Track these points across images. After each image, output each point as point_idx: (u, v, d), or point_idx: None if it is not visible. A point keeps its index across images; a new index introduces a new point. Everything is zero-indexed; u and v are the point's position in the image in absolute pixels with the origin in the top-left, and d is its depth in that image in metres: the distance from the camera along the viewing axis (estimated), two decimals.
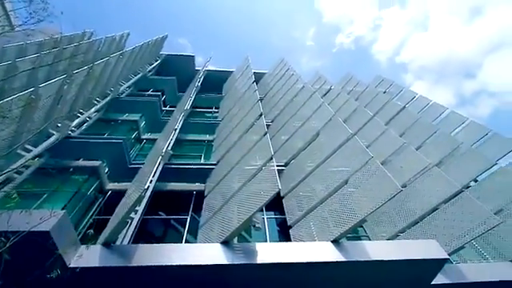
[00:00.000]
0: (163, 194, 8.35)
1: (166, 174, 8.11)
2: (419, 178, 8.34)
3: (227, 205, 6.38)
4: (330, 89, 15.90)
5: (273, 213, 8.24)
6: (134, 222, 6.22)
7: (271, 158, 6.04)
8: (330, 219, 6.14)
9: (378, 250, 5.39)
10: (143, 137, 12.67)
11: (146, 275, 4.80)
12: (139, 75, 16.78)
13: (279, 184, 4.97)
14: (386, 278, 5.64)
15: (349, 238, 6.93)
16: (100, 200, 8.10)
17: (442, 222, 6.85)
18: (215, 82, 19.09)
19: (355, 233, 8.07)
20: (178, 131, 10.52)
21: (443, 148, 10.70)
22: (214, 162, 9.58)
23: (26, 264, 4.00)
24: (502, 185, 8.74)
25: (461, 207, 6.82)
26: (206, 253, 5.05)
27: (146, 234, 7.47)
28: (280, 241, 7.50)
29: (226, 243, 5.23)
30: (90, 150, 8.81)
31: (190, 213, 7.89)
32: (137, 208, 6.51)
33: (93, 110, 11.13)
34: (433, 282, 5.67)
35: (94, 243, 5.02)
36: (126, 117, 12.61)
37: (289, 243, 5.96)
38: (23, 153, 7.20)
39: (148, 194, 6.99)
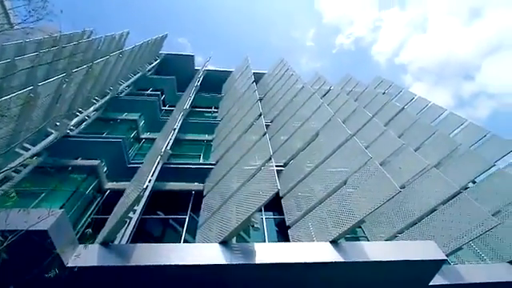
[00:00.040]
0: (162, 193, 8.34)
1: (165, 174, 8.11)
2: (418, 179, 8.36)
3: (226, 205, 6.38)
4: (330, 89, 15.91)
5: (271, 213, 8.25)
6: (133, 222, 6.21)
7: (270, 158, 6.04)
8: (329, 220, 6.15)
9: (376, 250, 5.40)
10: (142, 136, 12.65)
11: (145, 275, 4.79)
12: (139, 74, 16.76)
13: (278, 184, 4.97)
14: (384, 279, 5.65)
15: (347, 239, 6.94)
16: (98, 199, 8.08)
17: (441, 223, 6.88)
18: (215, 82, 19.09)
19: (354, 233, 8.07)
20: (177, 131, 10.51)
21: (442, 149, 10.73)
22: (213, 162, 9.57)
23: (23, 263, 3.99)
24: (500, 186, 8.78)
25: (459, 208, 6.84)
26: (205, 253, 5.04)
27: (145, 233, 7.45)
28: (279, 241, 7.51)
29: (224, 243, 5.23)
30: (88, 149, 8.79)
31: (188, 212, 7.88)
32: (135, 207, 6.49)
33: (92, 109, 11.10)
34: (431, 283, 5.68)
35: (92, 242, 5.01)
36: (125, 116, 12.59)
37: (287, 243, 5.98)
38: (21, 151, 7.17)
39: (147, 193, 6.98)
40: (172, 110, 14.57)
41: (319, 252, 5.31)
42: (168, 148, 8.51)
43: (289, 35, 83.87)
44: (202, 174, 9.10)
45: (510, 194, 8.36)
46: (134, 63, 15.46)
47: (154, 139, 11.87)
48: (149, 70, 18.45)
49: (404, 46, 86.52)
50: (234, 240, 5.62)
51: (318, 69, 57.67)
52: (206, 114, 16.69)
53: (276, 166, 5.83)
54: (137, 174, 7.65)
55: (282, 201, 8.19)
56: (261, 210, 7.86)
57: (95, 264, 4.61)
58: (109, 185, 8.57)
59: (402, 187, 8.00)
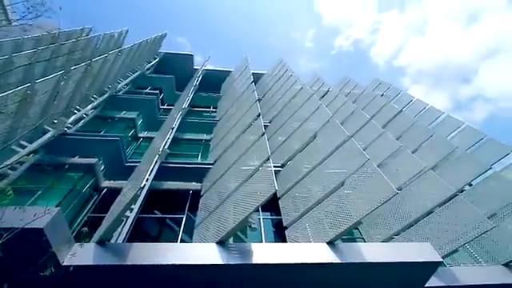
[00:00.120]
0: (159, 192, 8.31)
1: (163, 173, 8.09)
2: (415, 181, 8.40)
3: (223, 205, 6.37)
4: (328, 91, 15.96)
5: (269, 213, 8.25)
6: (130, 221, 6.18)
7: (268, 159, 6.04)
8: (326, 221, 6.16)
9: (372, 252, 5.42)
10: (140, 135, 12.60)
11: (141, 274, 4.77)
12: (137, 73, 16.69)
13: (276, 185, 4.98)
14: (380, 280, 5.67)
15: (344, 240, 6.95)
16: (95, 198, 8.04)
17: (437, 225, 6.91)
18: (213, 82, 19.07)
19: (350, 235, 8.10)
20: (175, 130, 10.48)
21: (439, 152, 10.79)
22: (211, 162, 9.56)
23: (18, 261, 3.96)
24: (496, 189, 8.84)
25: (455, 211, 6.88)
26: (202, 252, 5.04)
27: (141, 232, 7.43)
28: (275, 241, 7.51)
29: (221, 243, 5.22)
30: (86, 147, 8.75)
31: (185, 212, 7.87)
32: (132, 206, 6.47)
33: (89, 106, 11.04)
34: (426, 285, 5.71)
35: (89, 241, 4.97)
36: (123, 114, 12.54)
37: (284, 244, 5.99)
38: (18, 149, 7.12)
39: (144, 192, 6.96)
40: (170, 109, 14.53)
41: (316, 253, 5.31)
42: (166, 147, 8.49)
43: (288, 36, 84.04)
44: (199, 174, 9.08)
45: (505, 197, 8.43)
46: (132, 62, 15.41)
47: (151, 138, 11.83)
48: (148, 69, 18.40)
49: (403, 48, 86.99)
50: (231, 240, 5.61)
51: (317, 70, 57.88)
52: (205, 114, 16.67)
53: (274, 167, 5.83)
54: (134, 173, 7.62)
55: (280, 201, 8.19)
56: (258, 211, 7.86)
57: (91, 263, 4.58)
58: (106, 183, 8.53)
59: (399, 189, 8.03)
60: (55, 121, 8.55)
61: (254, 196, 5.31)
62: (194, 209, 7.80)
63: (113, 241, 5.45)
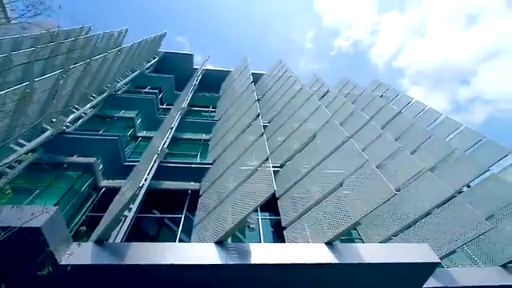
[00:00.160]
0: (158, 192, 8.30)
1: (162, 173, 8.07)
2: (413, 182, 8.42)
3: (222, 205, 6.37)
4: (328, 91, 15.98)
5: (267, 213, 8.25)
6: (128, 220, 6.17)
7: (267, 159, 6.04)
8: (325, 221, 6.16)
9: (371, 252, 5.43)
10: (139, 134, 12.58)
11: (139, 274, 4.76)
12: (136, 72, 16.66)
13: (275, 185, 4.98)
14: (379, 281, 5.68)
15: (342, 241, 6.96)
16: (94, 197, 8.02)
17: (435, 226, 6.93)
18: (213, 82, 19.05)
19: (349, 235, 8.11)
20: (174, 129, 10.47)
21: (437, 153, 10.82)
22: (210, 162, 9.55)
23: (16, 260, 3.94)
24: (494, 191, 8.87)
25: (453, 212, 6.90)
26: (200, 252, 5.03)
27: (140, 232, 7.41)
28: (274, 242, 7.51)
29: (220, 243, 5.22)
30: (84, 146, 8.73)
31: (184, 212, 7.86)
32: (131, 206, 6.46)
33: (88, 105, 11.02)
34: (424, 286, 5.72)
35: (87, 240, 4.96)
36: (122, 114, 12.52)
37: (283, 244, 5.98)
38: (16, 147, 7.09)
39: (142, 191, 6.94)
40: (170, 109, 14.52)
41: (314, 253, 5.32)
42: (165, 147, 8.48)
43: (288, 36, 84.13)
44: (198, 174, 9.07)
45: (503, 199, 8.46)
46: (132, 61, 15.38)
47: (150, 137, 11.82)
48: (147, 68, 18.37)
49: (402, 49, 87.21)
50: (229, 240, 5.61)
51: (316, 70, 58.00)
52: (204, 114, 16.67)
53: (273, 167, 5.84)
54: (133, 172, 7.61)
55: (279, 202, 8.20)
56: (257, 211, 7.85)
57: (89, 262, 4.56)
58: (104, 182, 8.51)
59: (398, 190, 8.06)
60: (54, 119, 8.52)
61: (252, 196, 5.31)
62: (192, 209, 7.79)
63: (111, 240, 5.44)
